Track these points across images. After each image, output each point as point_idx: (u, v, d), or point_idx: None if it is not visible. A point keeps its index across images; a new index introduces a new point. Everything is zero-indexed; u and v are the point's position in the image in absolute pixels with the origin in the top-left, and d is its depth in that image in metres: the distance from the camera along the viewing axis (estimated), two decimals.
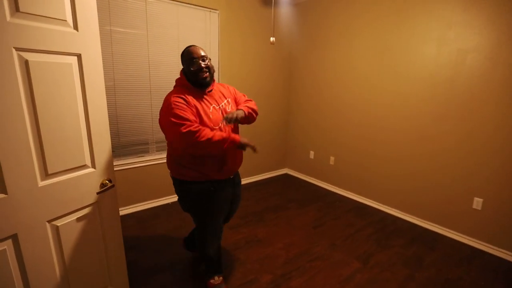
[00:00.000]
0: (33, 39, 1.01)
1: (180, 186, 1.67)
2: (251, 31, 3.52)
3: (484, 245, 2.40)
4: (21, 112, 1.00)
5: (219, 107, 1.56)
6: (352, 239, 2.52)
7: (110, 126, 2.61)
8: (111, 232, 1.42)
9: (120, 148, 2.80)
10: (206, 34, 3.16)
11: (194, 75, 1.48)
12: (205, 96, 1.54)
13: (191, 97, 1.48)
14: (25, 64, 0.99)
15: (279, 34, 3.82)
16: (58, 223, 1.18)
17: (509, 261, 2.26)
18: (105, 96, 1.29)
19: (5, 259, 1.03)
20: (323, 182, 3.82)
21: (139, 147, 2.94)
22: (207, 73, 1.51)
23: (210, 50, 3.23)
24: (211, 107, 1.53)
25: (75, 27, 1.13)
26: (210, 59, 1.55)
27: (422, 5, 2.57)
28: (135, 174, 2.90)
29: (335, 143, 3.59)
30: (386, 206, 3.11)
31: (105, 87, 2.51)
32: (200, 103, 1.50)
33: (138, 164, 2.90)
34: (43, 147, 1.08)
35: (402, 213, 2.96)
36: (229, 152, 1.56)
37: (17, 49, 0.96)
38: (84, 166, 1.24)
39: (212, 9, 3.14)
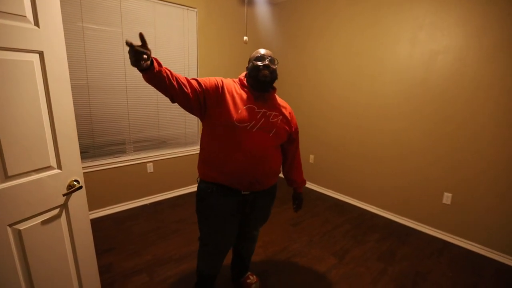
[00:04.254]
0: None
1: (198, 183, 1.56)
2: (230, 30, 3.51)
3: (454, 238, 2.51)
4: None
5: (260, 111, 1.39)
6: (329, 236, 2.57)
7: (84, 126, 2.58)
8: (80, 234, 1.38)
9: (95, 148, 2.73)
10: (184, 33, 3.13)
11: (256, 70, 1.36)
12: (254, 96, 1.40)
13: (232, 88, 1.38)
14: None
15: (257, 34, 3.83)
16: (21, 226, 1.13)
17: (476, 253, 2.38)
18: (71, 95, 1.25)
19: None
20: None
21: (116, 147, 2.87)
22: (269, 74, 1.37)
23: (189, 49, 3.20)
24: (249, 105, 1.37)
25: (36, 23, 1.08)
26: (277, 65, 1.44)
27: (395, 6, 2.66)
28: (111, 175, 2.83)
29: (315, 142, 3.64)
30: (364, 203, 3.19)
31: (78, 86, 2.48)
32: (238, 96, 1.38)
33: (115, 164, 2.84)
34: (2, 148, 1.03)
35: (379, 209, 3.05)
36: (236, 155, 1.34)
37: None
38: (49, 167, 1.20)
39: (190, 7, 3.11)
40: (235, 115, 1.32)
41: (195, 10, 3.16)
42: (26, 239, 1.16)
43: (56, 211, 1.25)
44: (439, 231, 2.61)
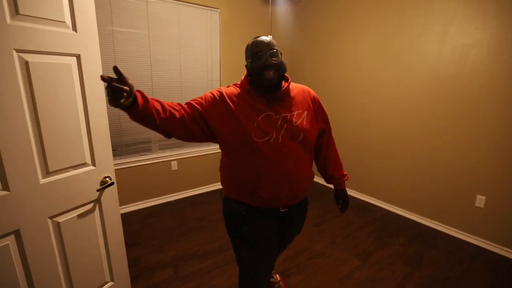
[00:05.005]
0: (33, 40, 1.03)
1: (222, 199, 1.33)
2: (252, 29, 3.52)
3: (487, 243, 2.38)
4: (22, 112, 1.03)
5: (280, 117, 1.13)
6: (352, 237, 2.52)
7: (113, 125, 2.69)
8: (112, 228, 1.45)
9: (123, 146, 2.85)
10: (207, 33, 3.18)
11: (257, 73, 1.10)
12: (265, 99, 1.14)
13: (237, 97, 1.14)
14: (26, 65, 1.02)
15: (279, 32, 3.82)
16: (60, 219, 1.21)
17: (511, 259, 2.24)
18: (104, 96, 1.32)
19: (8, 254, 1.06)
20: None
21: (142, 146, 2.98)
22: (274, 73, 1.10)
23: (212, 49, 3.25)
24: (264, 114, 1.12)
25: (74, 28, 1.16)
26: (281, 54, 1.13)
27: (423, 0, 2.55)
28: (137, 172, 2.94)
29: (337, 141, 3.57)
30: (388, 204, 3.10)
31: None
32: (248, 105, 1.13)
33: (141, 162, 2.94)
34: (44, 145, 1.11)
35: (404, 210, 2.95)
36: (265, 175, 1.14)
37: (17, 50, 1.00)
38: (84, 164, 1.27)
39: (213, 7, 3.16)
40: (251, 130, 1.09)
41: (218, 10, 3.21)
42: (64, 230, 1.24)
43: (90, 206, 1.33)
44: (471, 235, 2.48)
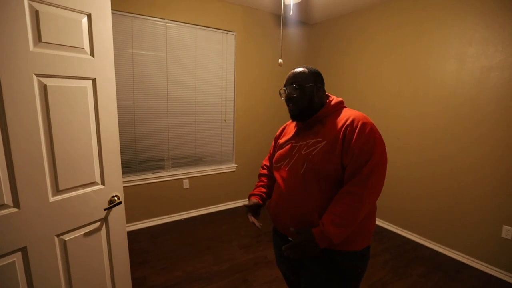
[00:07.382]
0: (52, 66, 1.10)
1: None
2: (267, 52, 3.60)
3: None
4: (37, 133, 1.07)
5: (297, 145, 1.17)
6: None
7: (128, 143, 2.77)
8: (117, 247, 1.45)
9: (136, 163, 2.91)
10: (222, 56, 3.28)
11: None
12: (299, 128, 1.23)
13: (291, 125, 1.32)
14: (44, 88, 1.08)
15: (292, 55, 3.88)
16: (66, 237, 1.22)
17: None
18: (116, 117, 1.36)
19: (14, 271, 1.08)
20: None
21: (155, 163, 3.03)
22: (293, 106, 1.17)
23: (226, 71, 3.33)
24: (289, 142, 1.22)
25: (92, 53, 1.22)
26: (302, 87, 1.13)
27: (441, 21, 2.53)
28: (149, 189, 2.98)
29: None
30: (406, 231, 2.94)
31: (125, 106, 2.69)
32: (290, 132, 1.29)
33: (153, 180, 2.98)
34: (56, 165, 1.14)
35: (423, 238, 2.79)
36: (274, 195, 1.26)
37: (37, 75, 1.05)
38: (93, 183, 1.30)
39: (229, 31, 3.27)
40: (276, 154, 1.27)
41: (234, 33, 3.31)
42: (70, 249, 1.24)
43: (97, 224, 1.34)
44: (497, 269, 2.29)
